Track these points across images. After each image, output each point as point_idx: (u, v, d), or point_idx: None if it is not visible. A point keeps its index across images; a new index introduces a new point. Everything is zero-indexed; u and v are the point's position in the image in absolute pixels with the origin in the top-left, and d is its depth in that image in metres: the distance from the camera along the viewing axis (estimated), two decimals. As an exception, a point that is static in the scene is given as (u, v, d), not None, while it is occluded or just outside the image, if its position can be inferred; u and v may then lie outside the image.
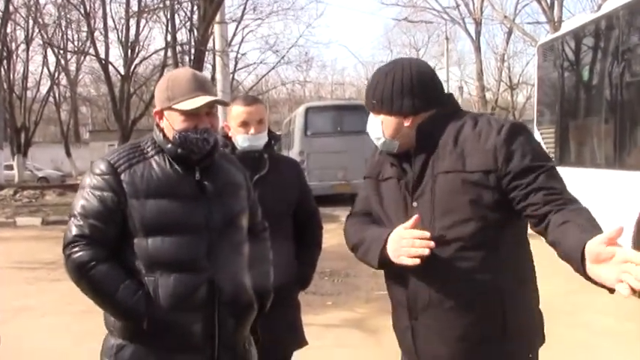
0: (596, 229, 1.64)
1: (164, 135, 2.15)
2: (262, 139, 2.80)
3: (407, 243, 1.87)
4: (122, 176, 2.07)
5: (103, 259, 2.05)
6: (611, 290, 1.56)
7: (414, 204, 1.96)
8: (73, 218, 2.10)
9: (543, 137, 8.62)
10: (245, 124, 2.77)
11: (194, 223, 2.11)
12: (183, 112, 2.09)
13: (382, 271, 2.13)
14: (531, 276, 2.03)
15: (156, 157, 2.13)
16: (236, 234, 2.22)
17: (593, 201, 7.20)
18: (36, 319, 6.18)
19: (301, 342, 2.96)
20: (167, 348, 2.09)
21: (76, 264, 2.04)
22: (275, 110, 43.33)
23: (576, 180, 7.51)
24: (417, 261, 1.84)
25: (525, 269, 2.01)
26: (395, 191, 2.03)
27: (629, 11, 6.47)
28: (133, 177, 2.08)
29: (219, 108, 14.12)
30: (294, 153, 16.41)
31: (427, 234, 1.85)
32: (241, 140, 2.77)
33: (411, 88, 1.95)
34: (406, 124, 1.97)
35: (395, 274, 2.03)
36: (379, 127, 2.01)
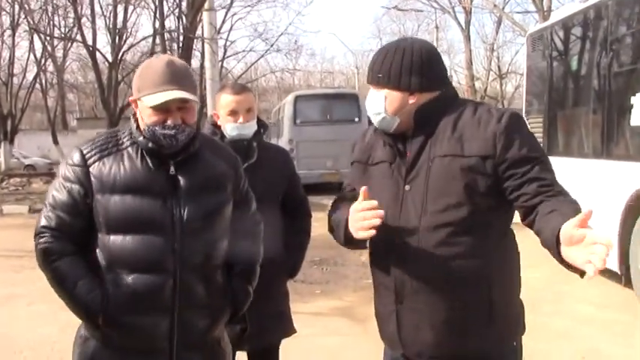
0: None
1: (138, 126, 2.05)
2: (251, 128, 2.79)
3: (359, 217, 1.89)
4: (91, 168, 2.01)
5: (67, 253, 2.01)
6: (582, 273, 1.61)
7: (407, 187, 1.96)
8: (44, 208, 2.08)
9: (532, 127, 8.65)
10: (234, 113, 2.75)
11: (160, 222, 2.00)
12: (151, 106, 1.97)
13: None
14: (517, 265, 2.04)
15: (129, 149, 2.04)
16: (212, 232, 2.09)
17: (581, 190, 7.27)
18: (23, 307, 6.16)
19: (290, 330, 2.96)
20: (124, 348, 2.04)
21: (42, 255, 2.03)
22: (264, 98, 43.18)
23: (564, 169, 7.56)
24: (373, 232, 1.85)
25: (512, 258, 2.02)
26: (386, 175, 2.02)
27: (618, 1, 6.49)
28: (101, 170, 2.00)
29: (209, 94, 14.04)
30: (283, 141, 16.40)
31: (375, 203, 1.87)
32: (230, 129, 2.76)
33: (420, 66, 1.96)
34: (411, 101, 1.97)
35: (381, 257, 2.04)
36: (382, 102, 1.99)
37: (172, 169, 2.04)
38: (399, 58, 1.96)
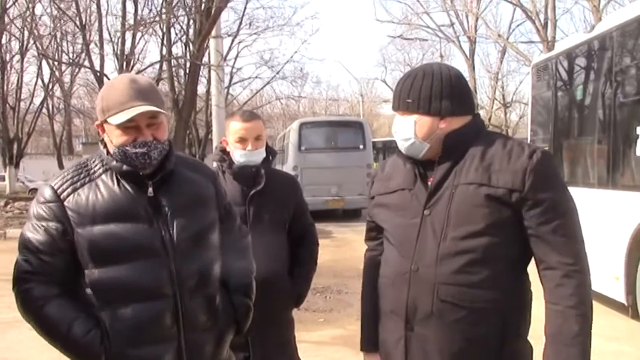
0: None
1: (107, 151, 1.96)
2: (260, 155, 2.80)
3: None
4: (66, 202, 1.89)
5: (53, 296, 1.88)
6: None
7: (427, 212, 1.94)
8: (19, 253, 1.92)
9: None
10: (243, 140, 2.77)
11: (150, 246, 1.91)
12: (118, 126, 1.88)
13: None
14: (529, 304, 2.00)
15: (103, 177, 1.94)
16: (206, 251, 2.02)
17: (587, 220, 7.22)
18: (26, 332, 6.10)
19: (294, 360, 2.93)
20: None
21: (26, 302, 1.89)
22: (269, 125, 43.28)
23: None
24: None
25: (526, 296, 1.98)
26: (407, 201, 2.00)
27: (622, 32, 6.53)
28: (77, 202, 1.89)
29: (215, 121, 14.08)
30: (287, 168, 16.43)
31: None
32: (238, 156, 2.77)
33: (450, 90, 1.95)
34: (441, 125, 1.95)
35: (394, 282, 2.00)
36: (411, 128, 1.97)
37: (150, 190, 1.95)
38: (428, 83, 1.96)
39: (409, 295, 1.94)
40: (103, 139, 2.00)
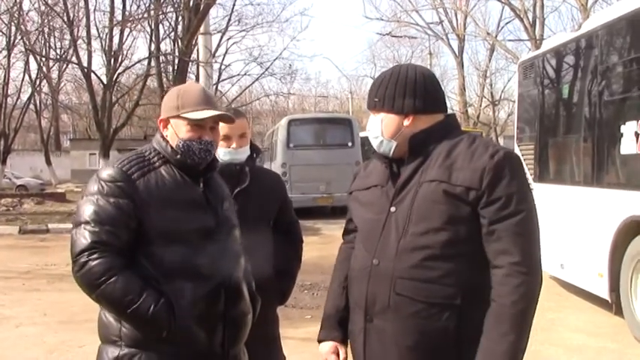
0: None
1: (170, 145, 2.18)
2: (244, 153, 2.81)
3: None
4: (137, 184, 2.06)
5: (122, 267, 2.01)
6: None
7: (392, 208, 1.99)
8: (84, 225, 2.03)
9: (523, 154, 8.70)
10: (227, 138, 2.77)
11: (207, 231, 2.14)
12: (190, 122, 2.15)
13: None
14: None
15: (164, 167, 2.15)
16: (235, 245, 2.28)
17: (572, 218, 7.30)
18: (11, 329, 6.10)
19: (278, 357, 2.95)
20: (182, 356, 2.06)
21: (95, 273, 1.99)
22: (258, 122, 43.31)
23: (555, 197, 7.60)
24: None
25: (489, 286, 1.93)
26: (376, 197, 2.06)
27: (608, 31, 6.58)
28: (147, 185, 2.08)
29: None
30: (276, 165, 16.42)
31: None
32: (222, 154, 2.78)
33: (413, 88, 2.00)
34: (406, 123, 2.00)
35: (357, 276, 2.06)
36: (379, 126, 2.04)
37: (202, 185, 2.21)
38: (393, 82, 2.02)
39: (369, 289, 1.99)
40: (162, 134, 2.22)
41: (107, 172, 2.09)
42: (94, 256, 1.99)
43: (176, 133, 2.17)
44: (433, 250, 1.90)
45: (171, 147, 2.18)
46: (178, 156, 2.16)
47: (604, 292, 6.31)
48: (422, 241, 1.91)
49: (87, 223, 2.03)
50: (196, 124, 2.15)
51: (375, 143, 2.07)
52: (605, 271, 6.21)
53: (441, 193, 1.90)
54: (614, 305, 6.21)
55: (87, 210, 2.04)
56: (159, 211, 2.06)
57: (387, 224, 1.99)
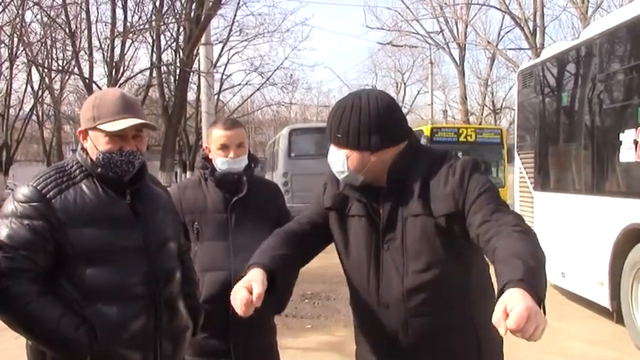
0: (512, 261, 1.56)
1: (90, 158, 2.05)
2: (242, 163, 2.82)
3: (239, 296, 1.77)
4: (53, 202, 1.94)
5: (38, 293, 1.89)
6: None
7: (385, 246, 1.95)
8: None
9: (523, 162, 8.72)
10: (225, 148, 2.78)
11: (133, 248, 2.03)
12: (108, 134, 2.00)
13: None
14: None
15: (85, 181, 2.02)
16: (169, 259, 2.17)
17: (572, 226, 7.28)
18: (10, 340, 6.07)
19: (276, 366, 2.94)
20: None
21: (9, 300, 1.87)
22: (260, 131, 43.34)
23: (555, 205, 7.60)
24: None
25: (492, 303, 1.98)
26: (365, 231, 1.99)
27: (608, 39, 6.60)
28: (65, 203, 1.95)
29: (204, 127, 14.09)
30: (277, 175, 16.42)
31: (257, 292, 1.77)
32: (220, 163, 2.79)
33: (378, 124, 1.90)
34: (372, 158, 1.93)
35: (366, 319, 2.06)
36: (343, 162, 1.95)
37: (128, 197, 2.08)
38: (355, 119, 1.91)
39: (385, 334, 1.97)
40: (83, 145, 2.08)
41: (22, 191, 1.97)
42: (8, 283, 1.87)
43: (95, 145, 2.03)
44: (440, 282, 1.89)
45: (92, 160, 2.04)
46: (99, 169, 2.02)
47: (605, 301, 6.30)
48: (426, 277, 1.90)
49: (0, 248, 1.90)
50: (116, 135, 2.00)
51: (340, 176, 2.00)
52: (606, 280, 6.20)
53: (429, 228, 1.89)
54: (615, 313, 6.20)
55: (1, 234, 1.92)
56: (78, 230, 1.94)
57: (384, 263, 1.95)
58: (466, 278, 1.93)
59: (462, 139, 16.06)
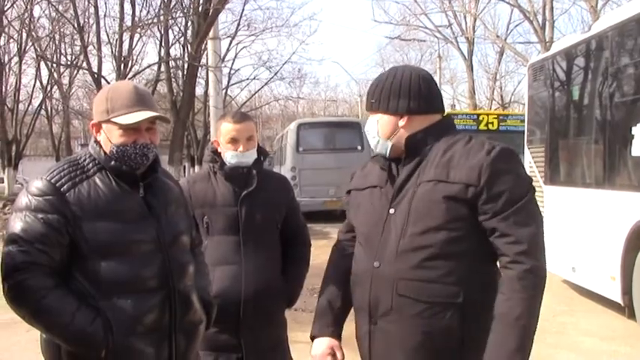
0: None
1: (104, 151, 2.04)
2: (251, 156, 2.80)
3: None
4: (67, 196, 1.93)
5: (53, 286, 1.89)
6: None
7: (392, 210, 1.98)
8: (11, 244, 1.90)
9: (534, 156, 8.66)
10: (234, 141, 2.77)
11: (147, 241, 2.02)
12: (122, 126, 2.00)
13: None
14: (496, 290, 1.95)
15: (98, 175, 2.01)
16: (183, 252, 2.16)
17: (583, 220, 7.23)
18: (22, 333, 6.11)
19: (286, 360, 2.94)
20: None
21: (25, 294, 1.87)
22: (268, 126, 43.39)
23: (566, 199, 7.55)
24: None
25: (491, 289, 1.91)
26: (375, 199, 2.06)
27: (619, 32, 6.54)
28: (79, 197, 1.94)
29: (212, 122, 14.13)
30: (285, 169, 16.44)
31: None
32: (230, 157, 2.77)
33: (408, 89, 2.00)
34: (401, 123, 2.01)
35: (359, 279, 2.05)
36: (375, 127, 2.06)
37: (142, 190, 2.08)
38: (388, 84, 2.03)
39: (371, 292, 1.99)
40: (96, 138, 2.07)
41: (35, 185, 1.95)
42: (24, 277, 1.87)
43: (109, 138, 2.02)
44: (433, 249, 1.89)
45: (105, 153, 2.03)
46: (113, 162, 2.01)
47: (616, 295, 6.25)
48: (421, 241, 1.90)
49: (14, 242, 1.90)
50: (130, 128, 2.00)
51: (372, 143, 2.10)
52: (618, 274, 6.15)
53: (439, 192, 1.89)
54: (627, 308, 6.16)
55: (15, 227, 1.91)
56: (92, 224, 1.93)
57: (386, 226, 1.98)
58: (461, 255, 1.89)
59: (482, 126, 13.96)
